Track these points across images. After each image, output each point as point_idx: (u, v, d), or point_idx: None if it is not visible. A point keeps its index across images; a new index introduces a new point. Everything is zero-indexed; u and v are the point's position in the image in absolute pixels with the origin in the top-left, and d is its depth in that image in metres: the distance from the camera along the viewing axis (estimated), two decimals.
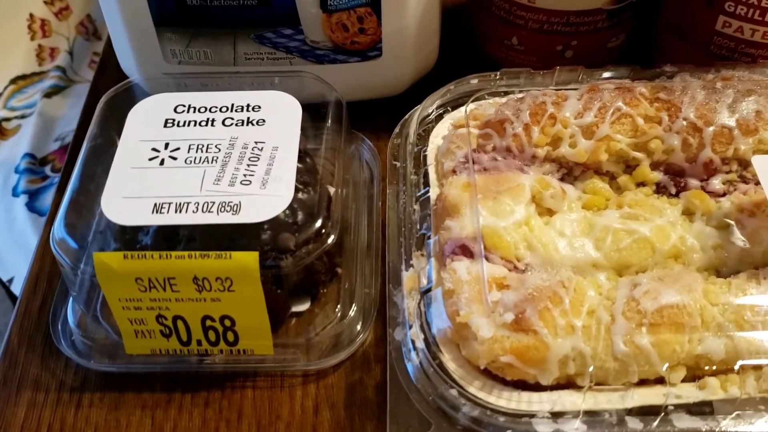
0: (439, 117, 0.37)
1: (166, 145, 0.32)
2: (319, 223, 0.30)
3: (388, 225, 0.33)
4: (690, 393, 0.27)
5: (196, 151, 0.31)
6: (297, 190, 0.30)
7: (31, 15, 0.89)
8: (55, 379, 0.32)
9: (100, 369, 0.32)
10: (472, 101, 0.36)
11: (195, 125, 0.32)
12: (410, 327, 0.28)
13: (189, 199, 0.29)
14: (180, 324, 0.30)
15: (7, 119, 0.79)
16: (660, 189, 0.33)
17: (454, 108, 0.37)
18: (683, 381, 0.27)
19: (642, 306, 0.27)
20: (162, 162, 0.31)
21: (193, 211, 0.29)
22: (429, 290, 0.29)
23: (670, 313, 0.27)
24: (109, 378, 0.32)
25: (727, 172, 0.33)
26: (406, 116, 0.37)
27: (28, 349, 0.33)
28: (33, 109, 0.79)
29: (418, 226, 0.32)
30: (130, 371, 0.32)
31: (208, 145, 0.31)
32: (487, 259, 0.29)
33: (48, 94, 0.82)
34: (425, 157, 0.35)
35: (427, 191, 0.33)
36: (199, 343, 0.30)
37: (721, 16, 0.37)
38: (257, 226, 0.29)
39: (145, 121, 0.33)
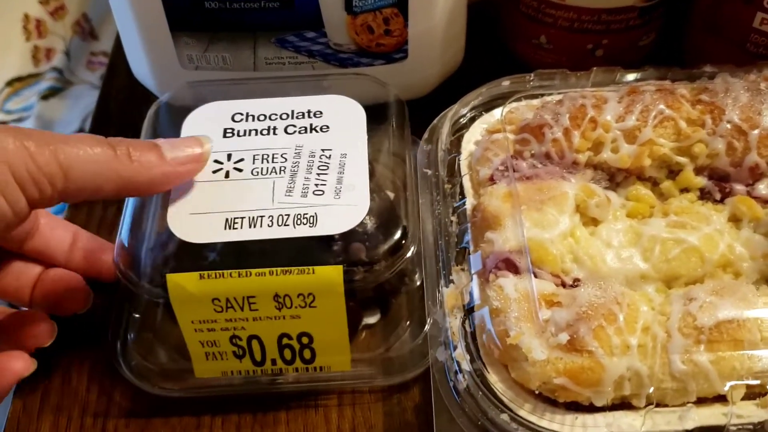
0: (471, 121, 0.35)
1: (229, 156, 0.30)
2: (398, 234, 0.28)
3: (423, 238, 0.31)
4: (751, 412, 0.26)
5: (262, 162, 0.29)
6: (370, 208, 0.28)
7: (26, 15, 0.87)
8: (115, 406, 0.31)
9: (163, 394, 0.30)
10: (506, 105, 0.34)
11: (256, 134, 0.31)
12: (455, 348, 0.27)
13: (262, 213, 0.28)
14: (255, 344, 0.28)
15: (4, 123, 0.77)
16: (704, 195, 0.32)
17: (486, 111, 0.35)
18: (742, 399, 0.26)
19: (699, 321, 0.26)
20: (227, 174, 0.29)
21: (269, 225, 0.27)
22: (473, 309, 0.28)
23: (728, 329, 0.26)
24: (170, 403, 0.30)
25: None
26: (435, 120, 0.35)
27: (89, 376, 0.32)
28: (30, 112, 0.77)
29: (456, 239, 0.30)
30: (198, 395, 0.30)
31: (273, 155, 0.30)
32: (534, 273, 0.28)
33: (45, 96, 0.79)
34: (459, 164, 0.33)
35: (465, 202, 0.31)
36: (273, 362, 0.29)
37: (759, 12, 0.36)
38: (329, 238, 0.28)
39: (202, 131, 0.31)
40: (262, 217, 0.28)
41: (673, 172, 0.32)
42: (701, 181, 0.32)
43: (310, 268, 0.26)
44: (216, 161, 0.30)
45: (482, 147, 0.33)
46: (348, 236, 0.28)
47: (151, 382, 0.30)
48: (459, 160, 0.33)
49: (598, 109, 0.32)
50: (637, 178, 0.32)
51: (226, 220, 0.27)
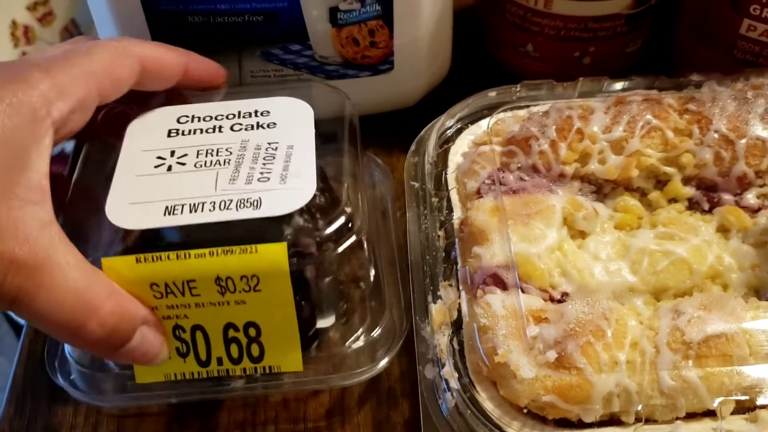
0: (458, 132, 0.35)
1: (173, 153, 0.29)
2: (343, 218, 0.28)
3: (410, 252, 0.31)
4: (741, 427, 0.26)
5: (206, 156, 0.29)
6: (315, 196, 0.28)
7: (14, 22, 0.86)
8: (65, 425, 0.30)
9: (106, 405, 0.29)
10: (493, 116, 0.34)
11: (201, 132, 0.30)
12: (443, 365, 0.27)
13: (204, 199, 0.27)
14: (199, 336, 0.27)
15: None
16: (692, 205, 0.32)
17: (472, 123, 0.35)
18: (732, 414, 0.26)
19: (687, 336, 0.26)
20: (170, 168, 0.28)
21: (210, 210, 0.26)
22: (461, 327, 0.27)
23: (717, 344, 0.26)
24: (124, 417, 0.30)
25: (761, 186, 0.32)
26: (422, 132, 0.35)
27: (34, 394, 0.31)
28: None
29: (443, 254, 0.30)
30: (143, 405, 0.29)
31: (218, 149, 0.29)
32: (521, 289, 0.27)
33: None
34: (446, 177, 0.33)
35: (452, 215, 0.31)
36: (219, 361, 0.28)
37: (746, 19, 0.36)
38: (275, 222, 0.27)
39: (145, 132, 0.30)
40: (203, 203, 0.27)
41: (661, 182, 0.32)
42: (689, 191, 0.32)
43: (253, 246, 0.26)
44: (158, 158, 0.29)
45: (469, 160, 0.33)
46: (293, 218, 0.27)
47: (91, 391, 0.28)
48: (446, 173, 0.33)
49: (584, 120, 0.32)
50: (625, 189, 0.32)
51: (166, 207, 0.27)
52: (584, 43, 0.39)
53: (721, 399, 0.25)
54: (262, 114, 0.31)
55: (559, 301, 0.28)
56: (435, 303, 0.29)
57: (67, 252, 0.24)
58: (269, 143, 0.29)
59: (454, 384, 0.26)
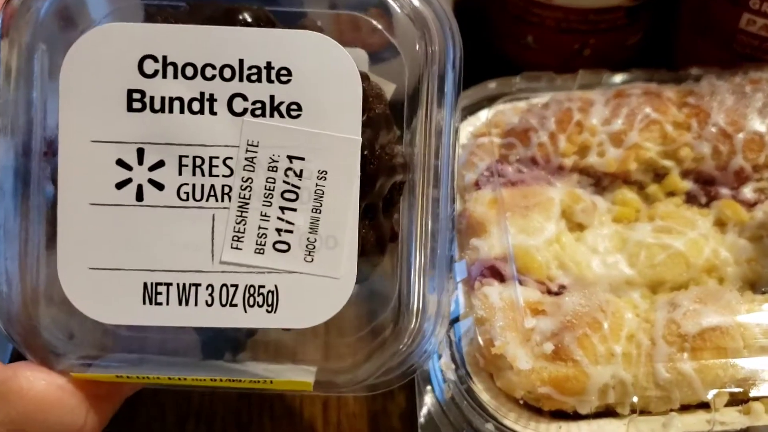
0: None
1: (141, 154, 0.19)
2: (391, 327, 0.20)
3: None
4: (734, 419, 0.26)
5: (194, 173, 0.19)
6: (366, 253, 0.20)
7: None
8: None
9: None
10: (492, 108, 0.34)
11: (182, 109, 0.19)
12: (440, 357, 0.27)
13: (197, 278, 0.18)
14: None
15: None
16: (690, 198, 0.32)
17: (471, 114, 0.35)
18: (725, 406, 0.26)
19: (683, 329, 0.26)
20: (140, 193, 0.19)
21: (207, 303, 0.18)
22: (458, 318, 0.27)
23: (712, 336, 0.26)
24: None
25: (758, 180, 0.32)
26: None
27: None
28: None
29: None
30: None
31: (211, 159, 0.19)
32: (519, 281, 0.27)
33: None
34: None
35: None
36: None
37: (746, 13, 0.36)
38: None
39: (93, 91, 0.19)
40: (197, 285, 0.18)
41: (659, 175, 0.32)
42: (687, 184, 0.32)
43: (268, 380, 0.19)
44: (121, 163, 0.19)
45: (468, 151, 0.33)
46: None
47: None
48: None
49: (584, 112, 0.32)
50: (623, 182, 0.32)
51: (145, 286, 0.18)
52: (584, 36, 0.39)
53: (715, 391, 0.26)
54: (278, 75, 0.19)
55: (557, 294, 0.28)
56: (432, 294, 0.29)
57: None
58: (290, 158, 0.19)
59: (451, 375, 0.26)
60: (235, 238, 0.19)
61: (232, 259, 0.19)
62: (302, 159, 0.19)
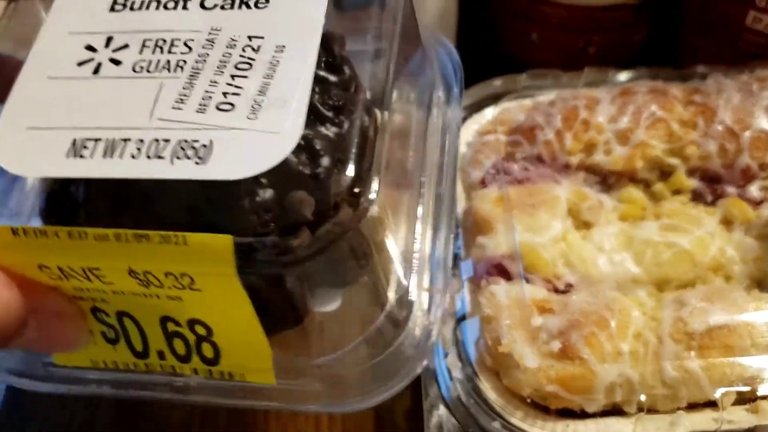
0: (462, 121, 0.35)
1: (109, 41, 0.20)
2: (351, 172, 0.19)
3: None
4: (742, 417, 0.26)
5: (153, 52, 0.19)
6: (320, 119, 0.19)
7: None
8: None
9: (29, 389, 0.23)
10: (498, 105, 0.34)
11: (158, 6, 0.21)
12: (446, 355, 0.27)
13: (129, 134, 0.18)
14: (129, 324, 0.20)
15: None
16: (696, 196, 0.32)
17: (477, 112, 0.35)
18: (733, 404, 0.26)
19: (690, 327, 0.26)
20: (97, 69, 0.19)
21: (132, 156, 0.18)
22: (465, 317, 0.27)
23: (719, 335, 0.26)
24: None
25: (764, 178, 0.32)
26: None
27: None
28: None
29: None
30: (59, 392, 0.23)
31: (173, 41, 0.20)
32: (526, 279, 0.27)
33: None
34: None
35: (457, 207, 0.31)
36: (161, 355, 0.20)
37: (752, 11, 0.36)
38: (244, 182, 0.18)
39: (82, 2, 0.21)
40: (127, 140, 0.18)
41: (665, 173, 0.32)
42: (693, 182, 0.32)
43: (180, 236, 0.17)
44: (88, 47, 0.20)
45: (473, 149, 0.33)
46: (279, 178, 0.18)
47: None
48: None
49: (590, 110, 0.32)
50: (630, 180, 0.32)
51: (74, 141, 0.18)
52: (589, 34, 0.39)
53: (722, 390, 0.26)
54: None
55: (563, 292, 0.28)
56: None
57: None
58: (250, 38, 0.20)
59: (457, 374, 0.26)
60: (179, 101, 0.19)
61: (169, 116, 0.19)
62: (261, 38, 0.20)
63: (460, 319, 0.27)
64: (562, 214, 0.30)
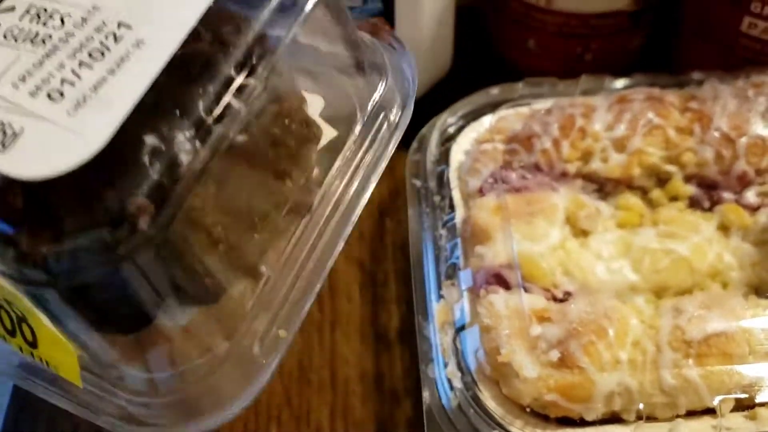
0: (460, 130, 0.35)
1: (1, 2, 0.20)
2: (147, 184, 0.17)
3: (412, 251, 0.31)
4: (740, 424, 0.26)
5: (31, 21, 0.19)
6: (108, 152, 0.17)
7: None
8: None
9: None
10: (495, 114, 0.34)
11: None
12: (446, 365, 0.27)
13: None
14: None
15: None
16: (693, 203, 0.32)
17: (474, 120, 0.35)
18: (731, 411, 0.27)
19: (688, 335, 0.26)
20: None
21: None
22: (464, 326, 0.27)
23: (717, 342, 0.26)
24: None
25: (761, 184, 0.32)
26: (423, 130, 0.35)
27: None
28: None
29: (446, 253, 0.30)
30: None
31: (53, 12, 0.19)
32: (524, 288, 0.27)
33: None
34: (448, 175, 0.33)
35: (454, 216, 0.31)
36: None
37: (747, 16, 0.36)
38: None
39: None
40: None
41: (662, 180, 0.32)
42: (690, 189, 0.32)
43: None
44: None
45: (471, 158, 0.33)
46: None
47: None
48: (448, 171, 0.33)
49: (587, 118, 0.32)
50: (627, 187, 0.32)
51: None
52: (586, 40, 0.39)
53: (721, 397, 0.26)
54: None
55: (562, 300, 0.28)
56: (438, 302, 0.29)
57: None
58: (120, 24, 0.19)
59: (457, 383, 0.27)
60: (21, 78, 0.19)
61: (2, 92, 0.18)
62: (129, 27, 0.19)
63: (460, 328, 0.28)
64: (560, 222, 0.30)
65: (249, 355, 0.21)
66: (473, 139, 0.34)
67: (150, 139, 0.18)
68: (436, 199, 0.32)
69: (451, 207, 0.32)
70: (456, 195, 0.32)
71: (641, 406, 0.26)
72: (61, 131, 0.17)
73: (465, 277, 0.29)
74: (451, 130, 0.35)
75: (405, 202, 0.33)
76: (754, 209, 0.31)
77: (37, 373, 0.21)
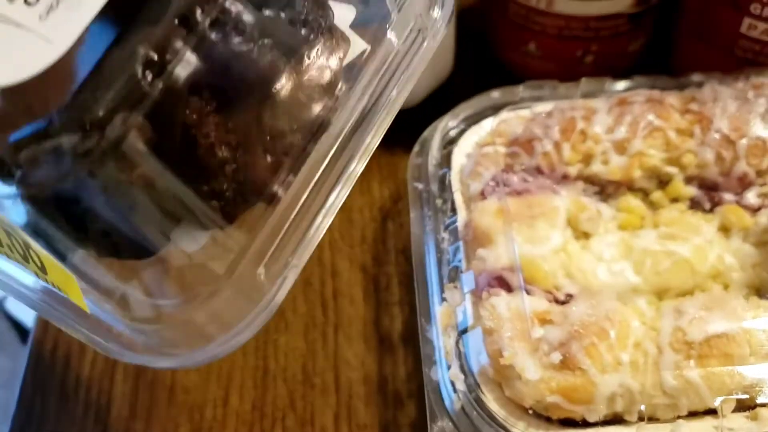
0: (461, 133, 0.35)
1: None
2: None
3: (414, 254, 0.31)
4: (742, 425, 0.26)
5: None
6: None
7: None
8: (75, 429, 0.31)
9: None
10: (496, 117, 0.34)
11: None
12: (449, 367, 0.27)
13: None
14: None
15: None
16: (694, 204, 0.32)
17: (476, 123, 0.35)
18: (733, 412, 0.27)
19: (689, 336, 0.26)
20: None
21: None
22: (466, 329, 0.28)
23: (718, 343, 0.26)
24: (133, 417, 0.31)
25: (761, 185, 0.32)
26: (425, 133, 0.35)
27: (43, 396, 0.32)
28: None
29: (449, 257, 0.30)
30: None
31: None
32: (526, 291, 0.28)
33: None
34: (450, 179, 0.33)
35: (456, 219, 0.31)
36: (9, 248, 0.20)
37: (747, 18, 0.36)
38: None
39: None
40: None
41: (663, 182, 0.33)
42: (691, 191, 0.32)
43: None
44: None
45: (473, 161, 0.33)
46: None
47: None
48: (450, 175, 0.33)
49: (587, 121, 0.32)
50: (628, 189, 0.32)
51: None
52: (586, 43, 0.39)
53: (722, 398, 0.26)
54: None
55: (563, 303, 0.28)
56: (440, 305, 0.29)
57: None
58: None
59: (460, 386, 0.27)
60: None
61: None
62: None
63: (462, 331, 0.28)
64: (562, 224, 0.30)
65: (253, 280, 0.19)
66: (475, 142, 0.34)
67: (140, 48, 0.17)
68: (438, 202, 0.33)
69: (453, 210, 0.32)
70: (458, 198, 0.33)
71: (643, 407, 0.26)
72: (31, 36, 0.17)
73: (467, 280, 0.29)
74: (453, 133, 0.35)
75: (407, 205, 0.33)
76: (754, 210, 0.32)
77: (57, 300, 0.21)
